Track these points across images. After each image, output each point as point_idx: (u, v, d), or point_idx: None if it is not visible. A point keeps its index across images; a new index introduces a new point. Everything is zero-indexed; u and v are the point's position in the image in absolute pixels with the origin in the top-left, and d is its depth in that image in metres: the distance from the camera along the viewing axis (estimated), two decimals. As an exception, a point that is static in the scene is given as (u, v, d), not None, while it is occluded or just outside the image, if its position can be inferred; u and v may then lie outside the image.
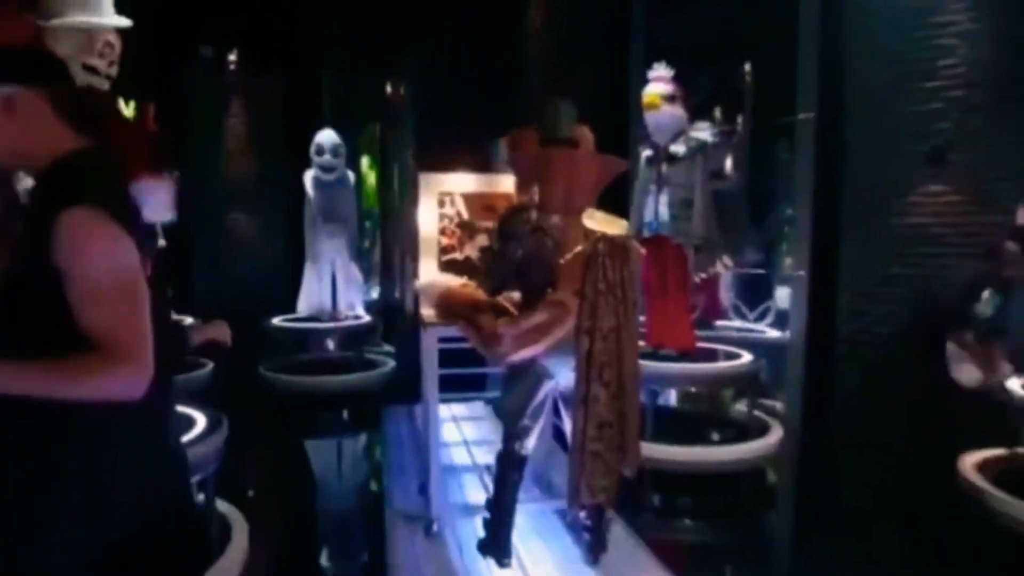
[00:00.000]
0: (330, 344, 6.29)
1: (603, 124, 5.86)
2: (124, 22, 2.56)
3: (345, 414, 5.66)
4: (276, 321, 6.17)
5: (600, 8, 5.98)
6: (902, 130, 4.63)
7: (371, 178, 7.63)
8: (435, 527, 3.06)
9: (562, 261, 2.36)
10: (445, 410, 5.14)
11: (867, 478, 4.27)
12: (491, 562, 2.79)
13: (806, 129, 5.13)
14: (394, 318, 7.28)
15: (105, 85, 2.61)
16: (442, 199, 3.55)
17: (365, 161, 7.52)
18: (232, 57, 6.73)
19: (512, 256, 2.48)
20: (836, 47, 4.98)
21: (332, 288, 6.24)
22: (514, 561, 2.77)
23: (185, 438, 2.65)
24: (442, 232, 3.56)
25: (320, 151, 6.11)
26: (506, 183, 3.64)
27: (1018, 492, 3.31)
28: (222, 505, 3.04)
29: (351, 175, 6.44)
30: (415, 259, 3.62)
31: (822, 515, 3.92)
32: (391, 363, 6.37)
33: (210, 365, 5.25)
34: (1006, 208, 4.06)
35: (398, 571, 2.78)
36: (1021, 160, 4.06)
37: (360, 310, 6.43)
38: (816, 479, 4.42)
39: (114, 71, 2.58)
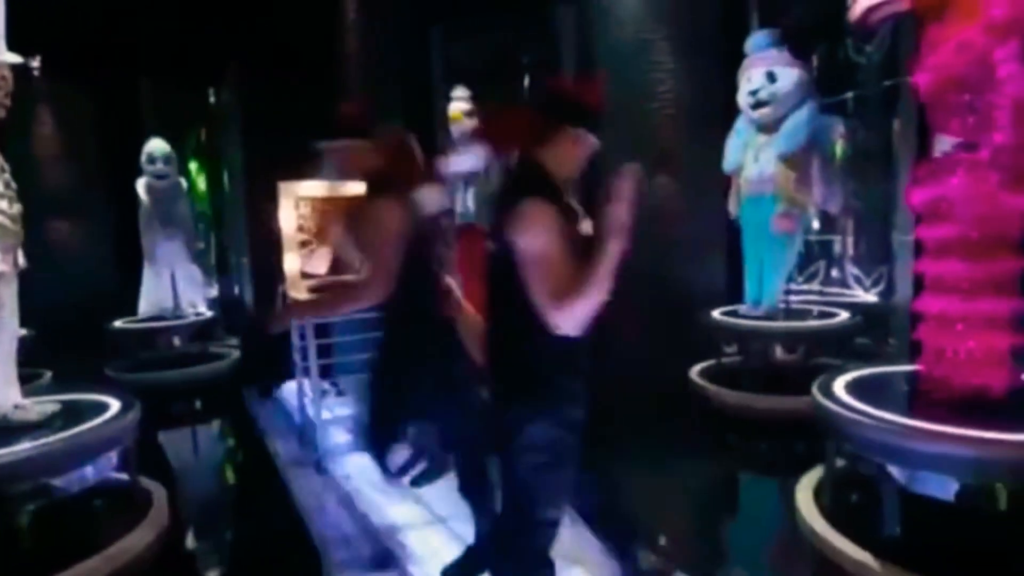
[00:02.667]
0: (176, 341, 6.19)
1: (414, 132, 6.46)
2: (16, 58, 2.65)
3: (198, 403, 5.66)
4: (119, 324, 5.94)
5: (403, 35, 6.52)
6: (639, 137, 5.87)
7: (200, 182, 7.44)
8: (324, 463, 3.56)
9: None
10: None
11: (635, 393, 5.44)
12: (371, 482, 3.38)
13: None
14: (234, 312, 7.27)
15: (2, 113, 2.69)
16: (298, 203, 3.96)
17: (193, 166, 7.32)
18: (35, 64, 6.15)
19: None
20: (590, 73, 6.09)
21: (173, 288, 6.15)
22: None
23: (100, 419, 2.83)
24: (300, 229, 3.98)
25: (152, 160, 5.96)
26: (346, 188, 4.16)
27: (719, 384, 4.63)
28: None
29: (183, 181, 6.34)
30: (280, 254, 3.97)
31: (603, 425, 4.98)
32: (235, 353, 6.45)
33: (48, 375, 4.99)
34: (706, 191, 5.47)
35: (304, 500, 3.26)
36: (711, 159, 5.41)
37: (202, 307, 6.40)
38: (599, 403, 5.49)
39: (8, 101, 2.67)
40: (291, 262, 3.90)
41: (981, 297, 2.32)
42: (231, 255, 7.37)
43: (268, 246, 6.52)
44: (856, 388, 2.74)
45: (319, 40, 6.68)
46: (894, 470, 2.40)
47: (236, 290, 7.34)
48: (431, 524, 2.90)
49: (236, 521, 3.35)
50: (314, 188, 4.04)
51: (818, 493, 2.83)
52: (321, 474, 3.54)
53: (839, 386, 2.78)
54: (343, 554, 2.68)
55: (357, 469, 3.60)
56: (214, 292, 7.33)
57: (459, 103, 5.46)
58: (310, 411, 3.83)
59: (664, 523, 3.06)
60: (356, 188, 4.13)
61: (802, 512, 2.75)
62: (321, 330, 3.87)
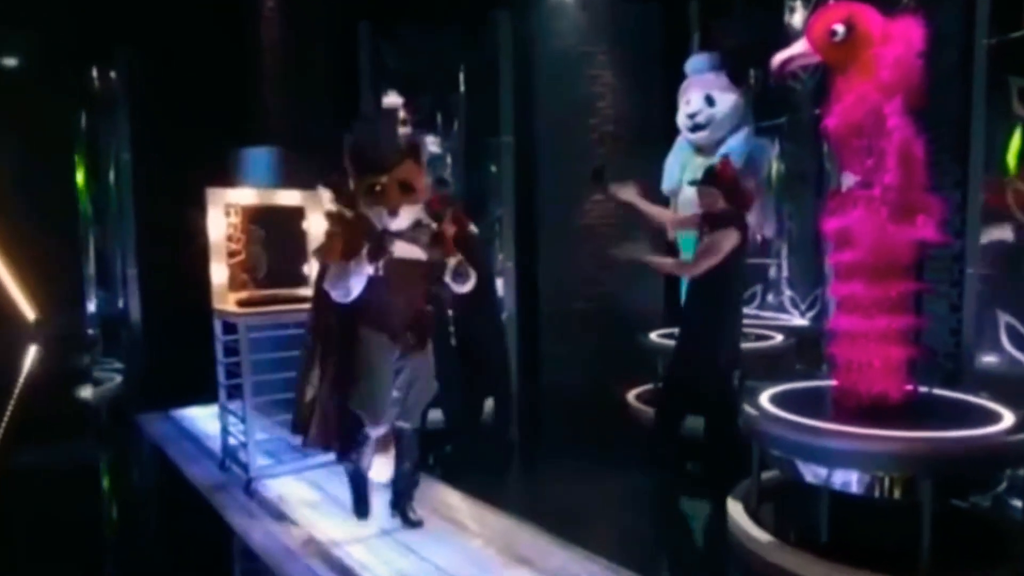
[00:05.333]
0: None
1: (338, 139, 6.90)
2: None
3: (85, 432, 5.77)
4: (-15, 341, 5.98)
5: (329, 29, 6.99)
6: (575, 153, 6.61)
7: (78, 175, 7.43)
8: (254, 485, 3.95)
9: None
10: (201, 409, 5.80)
11: (566, 408, 6.07)
12: (306, 501, 3.82)
13: (506, 150, 6.91)
14: (117, 331, 7.37)
15: None
16: (227, 210, 4.35)
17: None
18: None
19: None
20: (527, 85, 6.80)
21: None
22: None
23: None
24: (229, 238, 4.36)
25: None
26: (282, 197, 4.60)
27: (651, 405, 5.32)
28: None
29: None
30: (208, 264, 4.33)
31: (537, 438, 5.60)
32: (117, 377, 6.61)
33: None
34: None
35: (237, 522, 3.64)
36: (652, 177, 6.21)
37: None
38: (531, 415, 6.08)
39: None
40: (219, 273, 4.27)
41: (879, 315, 3.10)
42: (115, 264, 7.47)
43: (160, 255, 6.77)
44: (779, 399, 3.48)
45: (228, 24, 6.99)
46: (810, 470, 3.12)
47: (120, 304, 7.44)
48: (379, 536, 3.38)
49: (173, 550, 3.66)
50: (245, 195, 4.45)
51: (747, 497, 3.53)
52: (251, 496, 3.92)
53: (764, 398, 3.51)
54: (292, 569, 3.11)
55: (289, 489, 4.02)
56: (92, 307, 7.40)
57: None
58: (236, 432, 4.21)
59: (608, 528, 3.70)
60: (288, 196, 4.60)
61: (731, 514, 3.44)
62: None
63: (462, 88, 7.17)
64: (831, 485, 3.02)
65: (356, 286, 3.08)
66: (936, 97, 3.69)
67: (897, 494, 2.95)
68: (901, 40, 2.96)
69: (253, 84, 7.10)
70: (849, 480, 2.98)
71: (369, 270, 3.05)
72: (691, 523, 4.02)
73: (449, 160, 6.93)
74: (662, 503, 4.18)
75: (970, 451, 2.88)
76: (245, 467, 4.05)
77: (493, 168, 7.15)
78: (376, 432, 3.32)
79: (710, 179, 4.18)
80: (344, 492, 3.93)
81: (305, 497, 3.92)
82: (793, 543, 3.09)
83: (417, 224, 3.23)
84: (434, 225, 3.31)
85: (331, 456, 4.30)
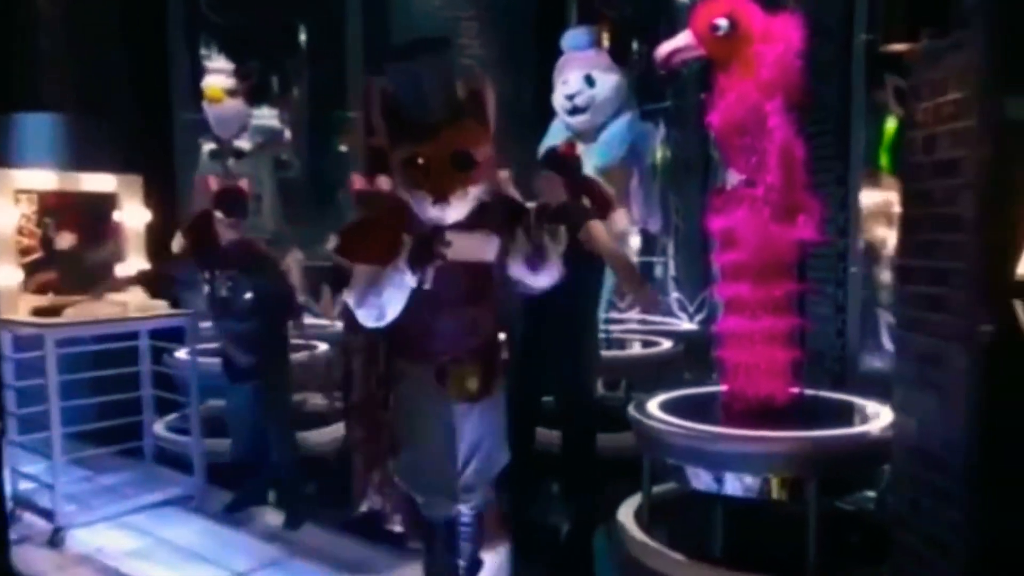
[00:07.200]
0: None
1: (142, 104, 6.85)
2: None
3: None
4: None
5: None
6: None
7: None
8: (62, 535, 4.04)
9: None
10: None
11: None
12: (135, 552, 3.97)
13: (356, 126, 7.18)
14: None
15: None
16: (18, 197, 4.36)
17: None
18: None
19: None
20: (381, 50, 7.10)
21: None
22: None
23: None
24: (20, 232, 4.38)
25: None
26: (89, 181, 4.67)
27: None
28: None
29: None
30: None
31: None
32: None
33: None
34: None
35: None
36: (522, 162, 6.69)
37: None
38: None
39: None
40: (7, 275, 4.27)
41: (764, 316, 3.74)
42: None
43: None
44: (669, 406, 4.06)
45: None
46: (698, 476, 3.70)
47: None
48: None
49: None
50: (41, 180, 4.48)
51: (639, 510, 4.09)
52: (56, 546, 4.01)
53: (653, 405, 4.08)
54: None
55: (108, 539, 4.12)
56: None
57: (218, 77, 6.11)
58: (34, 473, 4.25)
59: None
60: (97, 181, 4.68)
61: (623, 529, 3.97)
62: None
63: (303, 50, 7.35)
64: (722, 491, 3.62)
65: (392, 304, 2.58)
66: (818, 92, 4.41)
67: (784, 496, 3.59)
68: (781, 39, 3.60)
69: (24, 30, 6.89)
70: (737, 485, 3.59)
71: (410, 281, 2.53)
72: (582, 543, 4.53)
73: (288, 136, 7.08)
74: (552, 524, 4.68)
75: (847, 448, 3.57)
76: (49, 515, 4.09)
77: (342, 147, 7.39)
78: (435, 515, 2.90)
79: (553, 162, 4.30)
80: (179, 535, 4.13)
81: (130, 546, 4.03)
82: (688, 555, 3.65)
83: (481, 209, 2.69)
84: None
85: (155, 497, 4.51)
